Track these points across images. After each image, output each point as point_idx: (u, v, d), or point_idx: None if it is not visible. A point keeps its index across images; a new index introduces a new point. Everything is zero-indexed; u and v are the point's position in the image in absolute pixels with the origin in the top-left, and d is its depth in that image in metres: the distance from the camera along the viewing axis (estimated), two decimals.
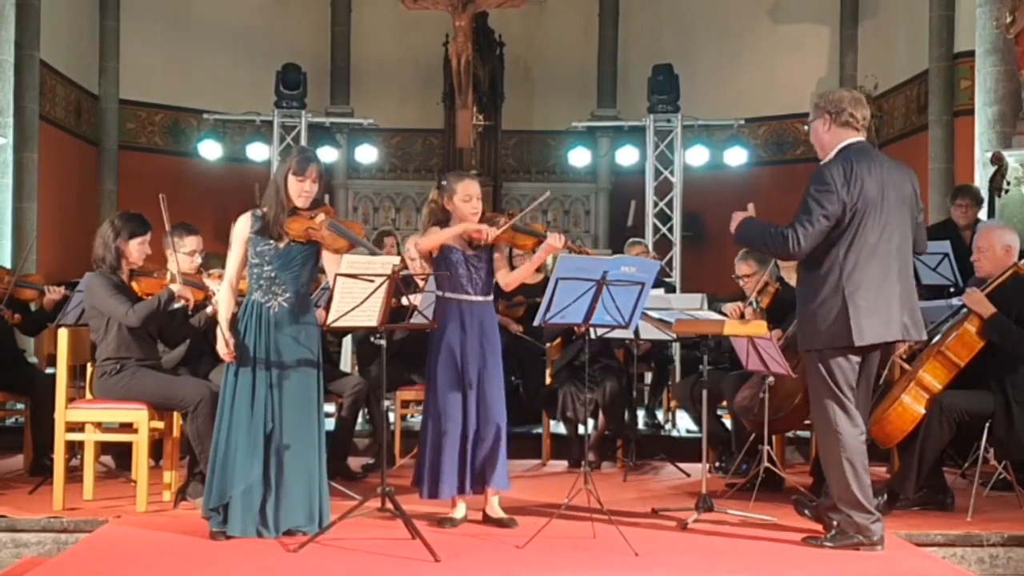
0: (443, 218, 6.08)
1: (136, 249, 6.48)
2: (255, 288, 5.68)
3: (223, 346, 5.62)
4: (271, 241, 5.66)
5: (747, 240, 5.79)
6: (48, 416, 7.05)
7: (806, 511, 5.98)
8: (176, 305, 6.40)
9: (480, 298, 6.04)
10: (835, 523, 5.64)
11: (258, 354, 5.63)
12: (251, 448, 5.58)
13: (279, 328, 5.65)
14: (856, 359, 5.55)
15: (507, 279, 6.12)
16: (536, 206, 6.62)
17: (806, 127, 5.88)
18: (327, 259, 5.71)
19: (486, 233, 5.89)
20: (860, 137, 5.58)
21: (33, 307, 7.80)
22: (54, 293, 7.63)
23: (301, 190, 5.67)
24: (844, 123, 5.55)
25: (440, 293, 6.02)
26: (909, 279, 5.62)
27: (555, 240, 5.91)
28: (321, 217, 5.68)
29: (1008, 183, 9.11)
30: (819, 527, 5.79)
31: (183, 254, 6.75)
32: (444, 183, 6.14)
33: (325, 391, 7.51)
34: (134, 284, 6.48)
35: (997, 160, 9.05)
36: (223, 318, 5.67)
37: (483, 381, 5.96)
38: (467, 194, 6.02)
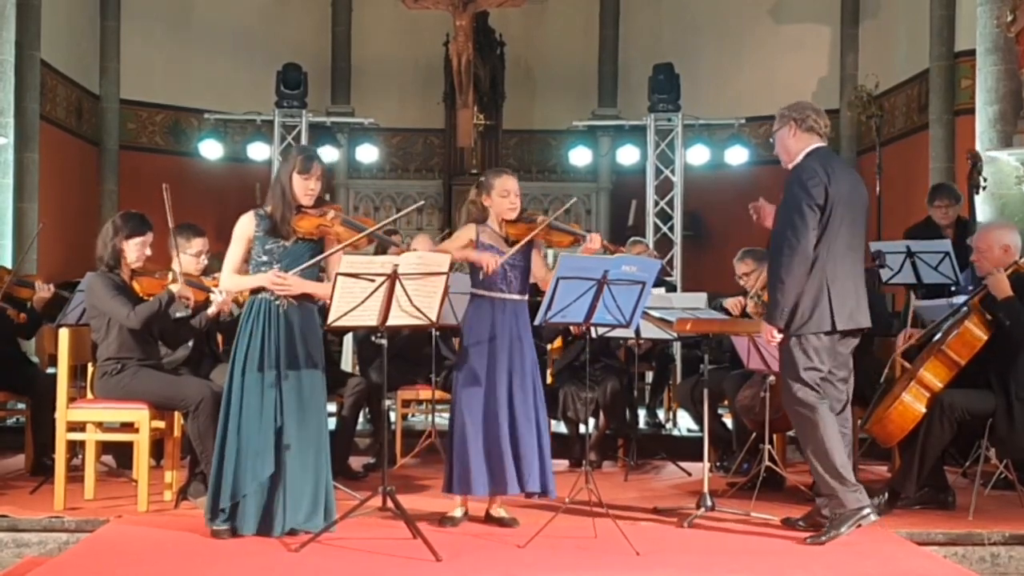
0: (480, 216, 6.08)
1: (134, 249, 6.45)
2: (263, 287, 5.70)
3: (267, 280, 5.62)
4: (280, 240, 5.68)
5: (783, 306, 5.72)
6: (49, 416, 7.06)
7: (800, 523, 5.97)
8: (180, 314, 6.40)
9: (515, 296, 6.03)
10: (829, 519, 5.70)
11: (267, 352, 5.63)
12: (263, 447, 5.58)
13: (288, 325, 5.66)
14: (828, 346, 5.71)
15: (544, 279, 6.11)
16: (565, 209, 6.74)
17: (771, 139, 6.05)
18: (332, 260, 5.71)
19: (487, 265, 5.89)
20: (823, 143, 5.87)
21: (28, 306, 7.80)
22: (43, 291, 7.63)
23: (306, 189, 5.69)
24: (809, 128, 5.84)
25: (474, 291, 6.02)
26: (863, 279, 5.89)
27: (592, 242, 5.97)
28: (332, 214, 5.70)
29: (985, 179, 9.13)
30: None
31: (189, 255, 6.74)
32: (483, 180, 6.13)
33: (327, 390, 7.55)
34: (135, 284, 6.47)
35: (973, 158, 9.07)
36: (250, 281, 5.72)
37: (515, 380, 5.95)
38: (504, 189, 6.03)
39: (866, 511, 5.67)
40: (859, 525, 5.66)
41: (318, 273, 5.88)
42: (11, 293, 7.67)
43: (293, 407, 5.64)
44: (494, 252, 5.95)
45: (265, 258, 5.70)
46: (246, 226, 5.74)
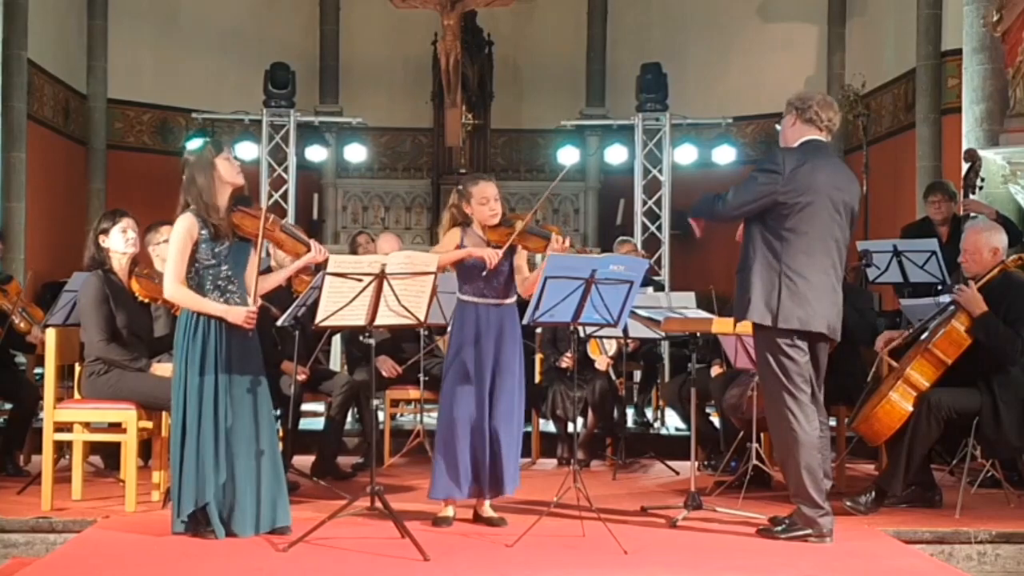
0: (463, 221, 6.04)
1: (118, 239, 6.43)
2: (211, 289, 5.58)
3: (240, 316, 5.49)
4: (223, 240, 5.59)
5: (694, 209, 5.95)
6: (26, 419, 7.11)
7: (777, 529, 5.96)
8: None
9: (498, 301, 6.00)
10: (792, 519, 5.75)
11: (220, 356, 5.56)
12: (220, 450, 5.54)
13: (238, 326, 5.58)
14: (805, 351, 5.66)
15: (525, 284, 6.04)
16: (543, 202, 6.62)
17: (776, 126, 6.04)
18: (254, 261, 5.65)
19: (490, 261, 5.87)
20: (821, 137, 5.79)
21: (16, 332, 7.74)
22: (36, 337, 7.59)
23: (233, 167, 5.62)
24: (808, 120, 5.77)
25: (461, 296, 6.00)
26: (838, 283, 5.77)
27: (555, 243, 5.90)
28: (272, 218, 5.65)
29: (982, 179, 9.12)
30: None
31: (163, 244, 6.77)
32: (460, 187, 6.09)
33: (315, 390, 7.57)
34: (134, 283, 6.42)
35: (970, 157, 9.07)
36: (213, 309, 5.54)
37: (497, 385, 5.93)
38: (483, 197, 5.98)
39: (824, 534, 5.64)
40: (810, 542, 5.66)
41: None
42: (10, 314, 7.61)
43: (248, 409, 5.61)
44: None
45: (213, 261, 5.58)
46: (191, 229, 5.54)
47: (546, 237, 6.02)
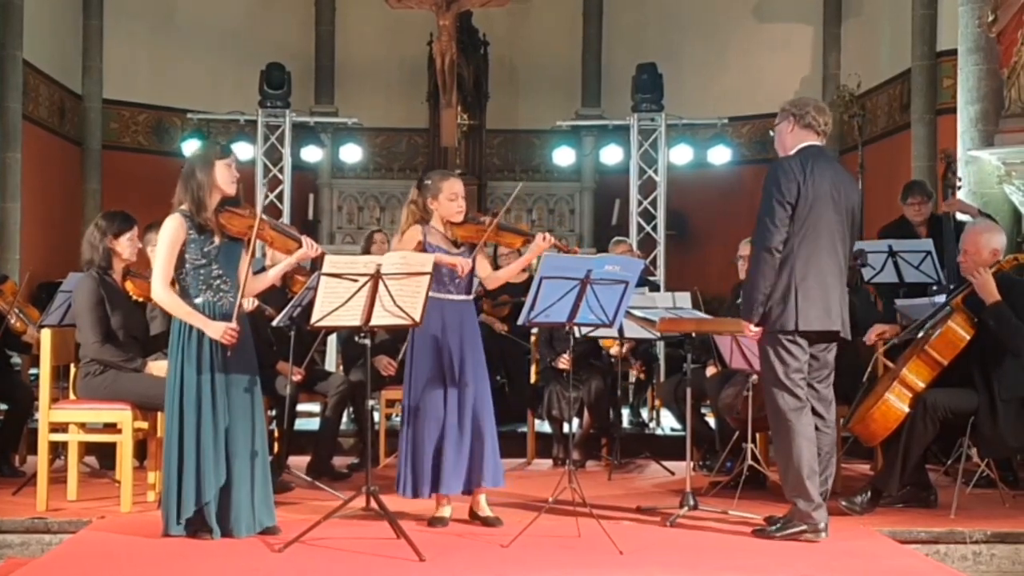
0: (424, 218, 6.05)
1: (127, 245, 6.45)
2: (203, 289, 5.57)
3: (218, 332, 5.48)
4: (213, 239, 5.58)
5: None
6: (21, 421, 7.08)
7: (772, 528, 5.96)
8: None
9: (461, 297, 6.03)
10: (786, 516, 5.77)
11: (216, 356, 5.56)
12: (219, 450, 5.54)
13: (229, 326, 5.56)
14: (806, 349, 5.71)
15: (491, 277, 6.12)
16: (512, 200, 6.62)
17: (771, 132, 6.06)
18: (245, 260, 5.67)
19: (460, 268, 5.88)
20: (818, 142, 5.86)
21: (10, 332, 7.73)
22: (31, 336, 7.59)
23: (230, 175, 5.61)
24: (807, 125, 5.84)
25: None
26: (844, 282, 5.83)
27: (542, 240, 5.89)
28: (261, 216, 5.63)
29: (960, 179, 9.12)
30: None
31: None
32: (427, 182, 6.09)
33: (311, 390, 7.57)
34: (128, 283, 6.42)
35: (947, 158, 9.07)
36: (196, 319, 5.53)
37: (465, 379, 5.94)
38: (453, 192, 6.00)
39: (820, 529, 5.67)
40: (805, 538, 5.67)
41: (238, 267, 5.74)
42: (6, 314, 7.60)
43: (244, 409, 5.61)
44: (440, 251, 5.92)
45: (203, 260, 5.56)
46: (177, 230, 5.53)
47: (522, 233, 6.04)
